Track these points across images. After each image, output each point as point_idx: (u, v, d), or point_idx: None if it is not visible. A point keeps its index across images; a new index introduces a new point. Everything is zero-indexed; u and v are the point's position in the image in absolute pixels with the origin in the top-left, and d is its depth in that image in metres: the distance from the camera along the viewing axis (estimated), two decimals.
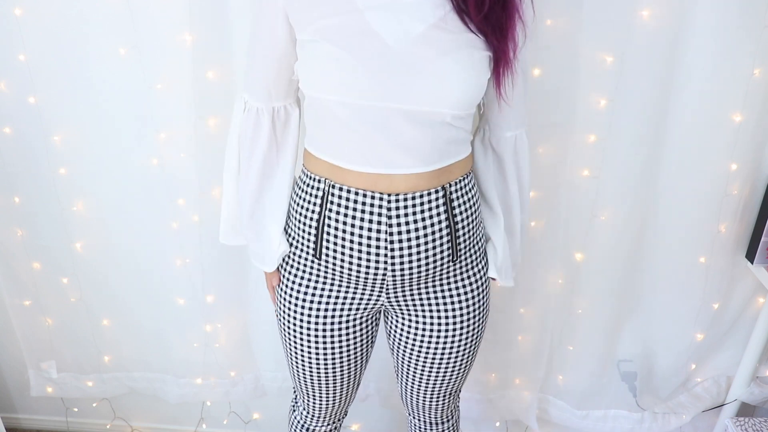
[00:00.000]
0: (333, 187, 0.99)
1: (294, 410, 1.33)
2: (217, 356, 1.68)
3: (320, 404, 1.24)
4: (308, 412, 1.28)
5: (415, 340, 1.13)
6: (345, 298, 1.07)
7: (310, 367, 1.15)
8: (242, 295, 1.60)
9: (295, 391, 1.31)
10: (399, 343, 1.17)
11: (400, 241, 0.99)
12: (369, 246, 0.99)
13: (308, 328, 1.09)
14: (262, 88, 1.04)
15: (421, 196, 0.98)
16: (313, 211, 1.02)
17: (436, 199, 0.99)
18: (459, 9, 0.91)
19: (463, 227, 1.04)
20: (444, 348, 1.13)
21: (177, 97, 1.33)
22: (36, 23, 1.29)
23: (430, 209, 0.99)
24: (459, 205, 1.03)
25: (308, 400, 1.24)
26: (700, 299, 1.51)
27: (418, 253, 1.00)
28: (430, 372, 1.17)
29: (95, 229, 1.54)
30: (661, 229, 1.43)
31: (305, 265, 1.07)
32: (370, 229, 0.98)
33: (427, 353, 1.14)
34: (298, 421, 1.31)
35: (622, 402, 1.67)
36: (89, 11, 1.27)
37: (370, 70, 0.90)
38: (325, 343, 1.10)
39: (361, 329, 1.12)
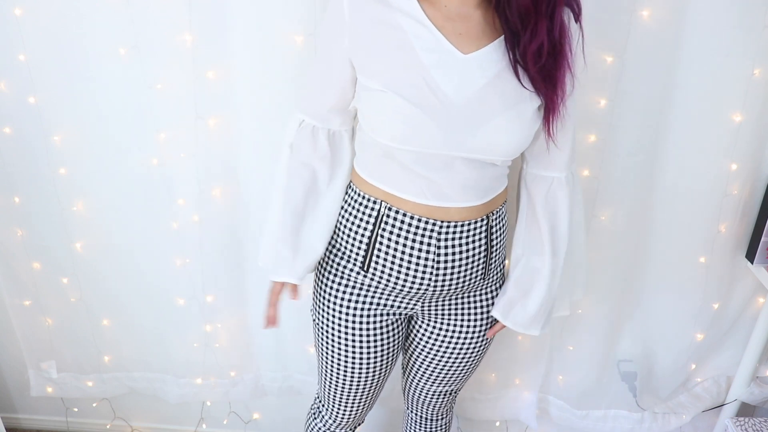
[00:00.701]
0: (390, 209, 1.06)
1: (315, 417, 1.36)
2: (217, 356, 1.68)
3: (348, 410, 1.29)
4: (333, 420, 1.32)
5: (435, 342, 1.22)
6: (385, 306, 1.14)
7: (345, 371, 1.20)
8: (242, 295, 1.60)
9: (318, 398, 1.35)
10: (418, 343, 1.25)
11: (446, 261, 1.07)
12: (417, 265, 1.07)
13: (347, 332, 1.15)
14: (320, 110, 1.08)
15: (469, 224, 1.07)
16: (365, 228, 1.08)
17: (481, 226, 1.08)
18: (515, 62, 0.96)
19: (496, 250, 1.14)
20: (459, 351, 1.22)
21: (177, 97, 1.33)
22: (36, 23, 1.29)
23: (474, 235, 1.08)
24: (496, 231, 1.12)
25: (336, 407, 1.29)
26: (700, 299, 1.51)
27: (459, 273, 1.09)
28: (440, 372, 1.26)
29: (95, 229, 1.54)
30: (661, 229, 1.43)
31: (349, 277, 1.13)
32: (420, 250, 1.06)
33: (444, 353, 1.23)
34: (320, 428, 1.35)
35: (622, 402, 1.67)
36: (89, 11, 1.27)
37: (434, 123, 0.95)
38: (361, 345, 1.16)
39: (393, 333, 1.19)
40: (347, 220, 1.11)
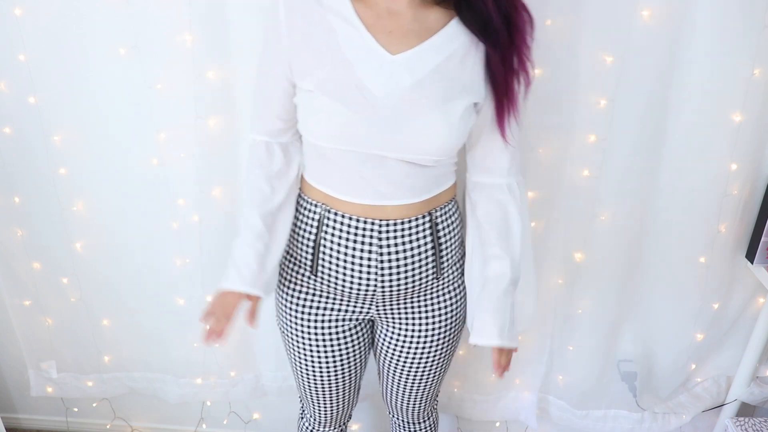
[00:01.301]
0: (329, 212, 1.06)
1: (301, 417, 1.39)
2: (217, 356, 1.68)
3: (325, 411, 1.30)
4: (315, 419, 1.34)
5: (396, 347, 1.20)
6: (339, 310, 1.14)
7: (314, 376, 1.21)
8: None
9: (301, 400, 1.35)
10: (383, 350, 1.24)
11: (389, 261, 1.06)
12: (361, 266, 1.06)
13: (308, 338, 1.16)
14: (269, 126, 1.09)
15: (410, 221, 1.05)
16: (310, 232, 1.09)
17: (423, 224, 1.07)
18: (488, 41, 0.96)
19: (447, 248, 1.11)
20: (422, 356, 1.20)
21: (177, 97, 1.33)
22: (36, 23, 1.29)
23: (417, 233, 1.06)
24: (443, 228, 1.10)
25: (314, 408, 1.31)
26: (700, 299, 1.51)
27: (406, 272, 1.08)
28: (408, 377, 1.25)
29: (95, 229, 1.54)
30: (661, 229, 1.43)
31: (303, 283, 1.13)
32: (362, 250, 1.05)
33: (406, 360, 1.21)
34: (307, 428, 1.37)
35: (622, 402, 1.67)
36: (89, 11, 1.27)
37: (361, 122, 0.96)
38: (324, 349, 1.17)
39: (355, 337, 1.19)
40: (296, 225, 1.12)
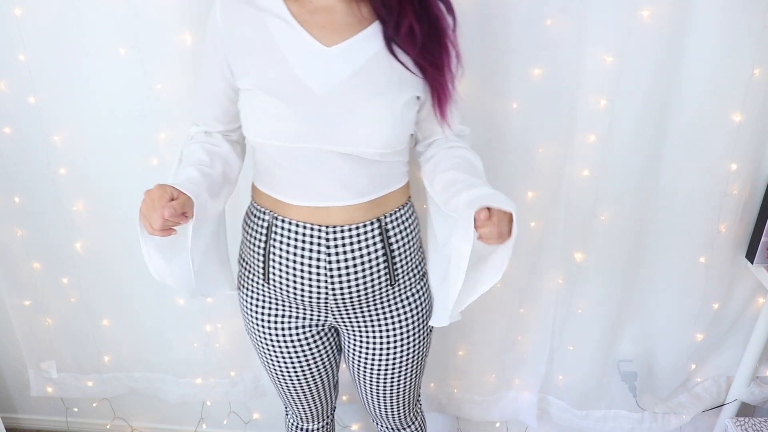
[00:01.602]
0: (276, 218, 1.06)
1: (287, 414, 1.41)
2: (217, 356, 1.68)
3: (304, 410, 1.31)
4: (297, 416, 1.36)
5: (362, 355, 1.19)
6: (296, 317, 1.14)
7: (283, 379, 1.22)
8: None
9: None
10: (350, 359, 1.23)
11: (339, 269, 1.05)
12: (310, 273, 1.05)
13: (270, 343, 1.17)
14: (210, 122, 1.10)
15: (357, 228, 1.04)
16: (260, 240, 1.09)
17: (372, 230, 1.05)
18: (391, 48, 0.96)
19: (400, 254, 1.10)
20: (387, 363, 1.19)
21: (177, 97, 1.33)
22: (36, 23, 1.29)
23: (366, 239, 1.05)
24: (395, 234, 1.08)
25: (294, 408, 1.32)
26: (700, 299, 1.51)
27: (356, 280, 1.06)
28: (379, 384, 1.23)
29: (95, 229, 1.54)
30: (661, 228, 1.43)
31: (257, 289, 1.14)
32: (311, 258, 1.04)
33: (373, 367, 1.20)
34: (292, 423, 1.39)
35: (622, 402, 1.67)
36: (89, 11, 1.27)
37: (299, 116, 0.95)
38: (288, 355, 1.18)
39: (320, 343, 1.19)
40: (247, 233, 1.12)
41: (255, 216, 1.10)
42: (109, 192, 1.48)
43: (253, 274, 1.13)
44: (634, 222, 1.42)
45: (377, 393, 1.25)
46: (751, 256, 1.43)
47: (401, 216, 1.09)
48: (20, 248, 1.58)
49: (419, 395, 1.36)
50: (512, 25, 1.23)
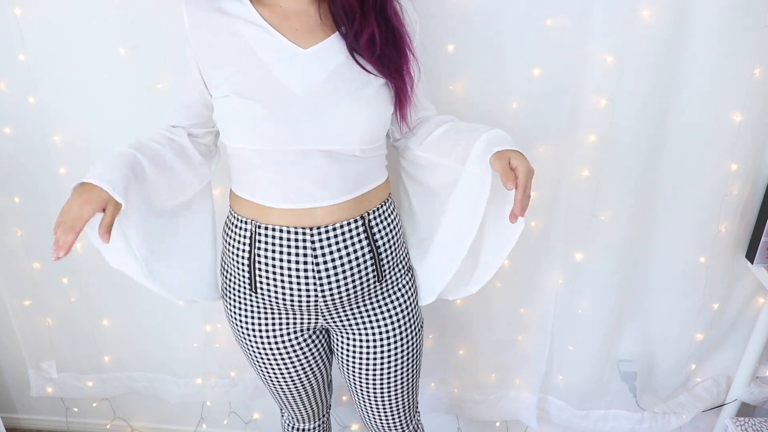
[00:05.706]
0: (259, 227, 1.05)
1: (282, 415, 1.42)
2: (217, 356, 1.68)
3: (299, 412, 1.32)
4: (292, 417, 1.36)
5: (355, 356, 1.18)
6: (286, 324, 1.14)
7: (277, 384, 1.22)
8: None
9: None
10: (343, 361, 1.22)
11: (327, 270, 1.05)
12: (299, 278, 1.05)
13: (262, 352, 1.17)
14: (185, 124, 1.10)
15: (342, 227, 1.05)
16: (243, 251, 1.08)
17: (357, 228, 1.06)
18: (353, 54, 0.99)
19: (386, 250, 1.10)
20: (383, 360, 1.17)
21: None
22: (36, 23, 1.29)
23: (351, 238, 1.06)
24: (379, 231, 1.09)
25: (287, 409, 1.33)
26: (700, 299, 1.51)
27: (345, 279, 1.07)
28: (375, 385, 1.21)
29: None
30: (661, 229, 1.43)
31: (244, 298, 1.13)
32: (297, 262, 1.04)
33: (367, 367, 1.18)
34: (288, 424, 1.40)
35: (622, 402, 1.67)
36: (89, 11, 1.27)
37: (278, 118, 0.96)
38: (282, 362, 1.18)
39: (309, 346, 1.19)
40: (229, 244, 1.11)
41: (236, 226, 1.09)
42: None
43: (239, 285, 1.12)
44: (634, 222, 1.42)
45: (373, 395, 1.22)
46: (751, 256, 1.43)
47: (384, 212, 1.10)
48: (20, 248, 1.58)
49: (417, 405, 1.32)
50: (512, 25, 1.23)
